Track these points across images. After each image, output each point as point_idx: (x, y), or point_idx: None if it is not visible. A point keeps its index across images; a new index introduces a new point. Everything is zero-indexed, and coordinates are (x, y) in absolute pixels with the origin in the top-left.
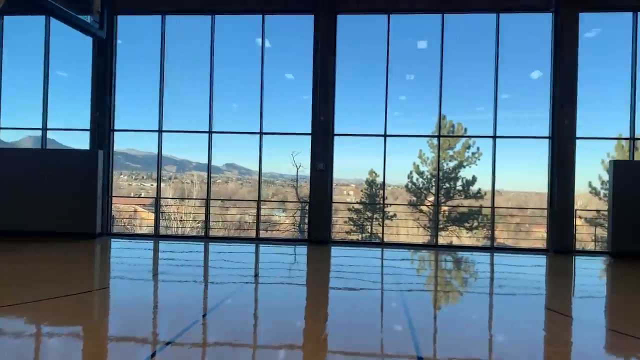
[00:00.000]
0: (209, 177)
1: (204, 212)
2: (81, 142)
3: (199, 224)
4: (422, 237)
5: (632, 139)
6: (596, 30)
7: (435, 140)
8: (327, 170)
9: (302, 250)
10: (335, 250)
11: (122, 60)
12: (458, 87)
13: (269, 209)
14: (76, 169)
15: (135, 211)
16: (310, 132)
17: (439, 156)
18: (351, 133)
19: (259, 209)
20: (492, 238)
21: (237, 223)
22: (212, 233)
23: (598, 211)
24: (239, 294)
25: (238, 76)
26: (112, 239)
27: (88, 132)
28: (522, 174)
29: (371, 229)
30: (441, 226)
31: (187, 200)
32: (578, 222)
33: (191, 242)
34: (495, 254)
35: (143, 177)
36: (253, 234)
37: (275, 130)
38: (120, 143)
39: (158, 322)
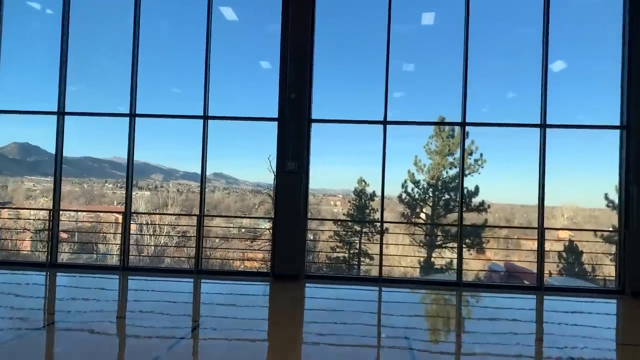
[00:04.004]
0: (128, 183)
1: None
2: None
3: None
4: (418, 257)
5: None
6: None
7: (432, 145)
8: (300, 172)
9: (258, 289)
10: (310, 290)
11: None
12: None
13: (254, 218)
14: None
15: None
16: (276, 116)
17: (463, 149)
18: (336, 119)
19: (200, 227)
20: (541, 275)
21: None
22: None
23: None
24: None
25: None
26: None
27: None
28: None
29: (359, 245)
30: (439, 243)
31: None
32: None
33: (103, 273)
34: (546, 296)
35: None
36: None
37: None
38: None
39: None
